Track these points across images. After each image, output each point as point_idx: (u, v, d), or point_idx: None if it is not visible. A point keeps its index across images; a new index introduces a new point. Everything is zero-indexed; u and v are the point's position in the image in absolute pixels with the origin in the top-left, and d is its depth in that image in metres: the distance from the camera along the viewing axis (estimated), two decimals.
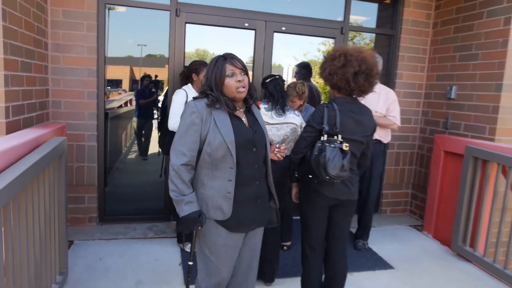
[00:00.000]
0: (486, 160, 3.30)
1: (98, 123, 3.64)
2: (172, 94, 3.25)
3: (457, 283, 3.12)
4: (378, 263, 3.40)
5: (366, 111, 2.24)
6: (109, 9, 3.63)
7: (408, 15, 4.34)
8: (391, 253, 3.60)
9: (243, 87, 1.77)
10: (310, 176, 2.11)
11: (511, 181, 3.11)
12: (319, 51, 4.44)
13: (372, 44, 4.64)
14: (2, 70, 2.42)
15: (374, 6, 4.55)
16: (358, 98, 2.26)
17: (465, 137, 3.88)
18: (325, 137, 2.06)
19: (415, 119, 4.58)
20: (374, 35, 4.57)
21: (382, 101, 3.41)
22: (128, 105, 4.88)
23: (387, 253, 3.58)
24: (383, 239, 3.91)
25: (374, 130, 2.27)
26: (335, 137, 2.06)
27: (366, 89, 2.14)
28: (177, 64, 3.77)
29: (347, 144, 2.01)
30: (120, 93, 4.67)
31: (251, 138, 1.81)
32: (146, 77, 4.09)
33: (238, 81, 1.76)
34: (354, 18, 4.38)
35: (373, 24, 4.52)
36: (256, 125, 1.89)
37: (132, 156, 4.62)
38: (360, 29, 4.38)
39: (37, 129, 2.61)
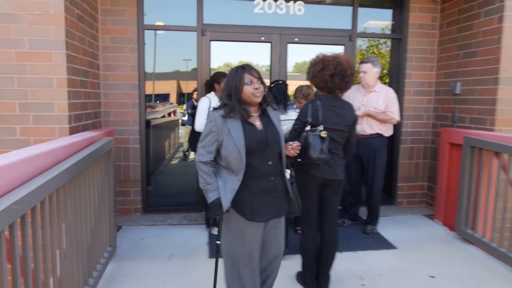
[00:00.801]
0: (481, 148, 3.58)
1: (140, 128, 4.36)
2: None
3: (455, 261, 3.41)
4: (383, 244, 3.77)
5: (347, 105, 2.71)
6: (155, 30, 4.36)
7: (414, 19, 4.69)
8: (398, 237, 3.94)
9: (259, 93, 2.08)
10: (299, 159, 2.60)
11: (504, 165, 3.39)
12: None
13: (388, 48, 5.03)
14: (66, 87, 3.18)
15: (389, 12, 4.93)
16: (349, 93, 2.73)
17: (470, 129, 4.15)
18: (308, 128, 2.55)
19: (426, 115, 4.87)
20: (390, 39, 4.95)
21: (381, 99, 3.80)
22: (172, 115, 5.59)
23: (394, 237, 3.93)
24: (393, 226, 4.25)
25: (355, 121, 2.72)
26: (318, 127, 2.55)
27: (344, 87, 2.61)
28: (204, 76, 4.41)
29: (325, 132, 2.49)
30: (164, 105, 5.39)
31: (263, 140, 2.09)
32: (195, 90, 4.69)
33: (255, 88, 2.06)
34: (373, 23, 4.85)
35: (390, 29, 4.91)
36: (270, 126, 2.16)
37: (175, 161, 5.31)
38: (367, 35, 4.78)
39: (91, 132, 3.34)
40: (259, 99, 2.09)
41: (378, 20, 4.91)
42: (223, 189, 2.11)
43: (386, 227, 4.20)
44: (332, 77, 2.55)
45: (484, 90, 4.01)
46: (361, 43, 4.97)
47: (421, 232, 4.11)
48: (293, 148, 2.23)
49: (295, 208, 2.37)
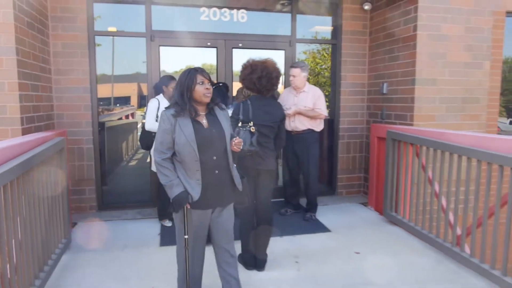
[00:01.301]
0: (400, 140, 4.10)
1: (93, 130, 4.57)
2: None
3: (379, 239, 3.91)
4: (320, 228, 4.22)
5: (275, 104, 3.11)
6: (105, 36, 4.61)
7: (347, 26, 5.20)
8: (333, 222, 4.40)
9: (209, 94, 2.30)
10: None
11: (417, 153, 3.92)
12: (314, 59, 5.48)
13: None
14: (17, 91, 3.36)
15: (329, 19, 5.40)
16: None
17: (395, 124, 4.69)
18: (240, 124, 2.92)
19: (361, 113, 5.40)
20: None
21: (309, 98, 4.22)
22: (130, 117, 5.77)
23: (330, 222, 4.39)
24: (331, 213, 4.72)
25: (283, 118, 3.12)
26: (249, 124, 2.92)
27: (270, 88, 3.01)
28: (154, 79, 4.67)
29: (253, 127, 2.86)
30: (121, 108, 5.58)
31: (208, 136, 2.29)
32: None
33: (206, 88, 2.27)
34: (320, 28, 5.35)
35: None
36: (215, 124, 2.35)
37: (133, 162, 5.51)
38: (305, 40, 5.23)
39: (43, 132, 3.53)
40: (208, 99, 2.31)
41: (325, 26, 5.39)
42: (186, 182, 2.29)
43: (325, 214, 4.66)
44: (259, 79, 2.94)
45: (405, 90, 4.56)
46: (314, 47, 5.43)
47: (355, 217, 4.61)
48: (235, 144, 2.39)
49: (243, 200, 2.57)
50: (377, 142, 4.71)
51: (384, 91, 4.91)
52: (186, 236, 2.36)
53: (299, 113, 4.16)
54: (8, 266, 2.31)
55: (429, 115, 4.46)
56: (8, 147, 2.48)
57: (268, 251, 3.33)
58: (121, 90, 5.14)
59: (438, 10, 4.34)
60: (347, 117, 5.36)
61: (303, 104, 4.19)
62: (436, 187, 3.71)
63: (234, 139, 2.41)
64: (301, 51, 5.31)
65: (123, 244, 3.74)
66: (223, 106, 2.50)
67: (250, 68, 2.95)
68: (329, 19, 5.37)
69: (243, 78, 3.00)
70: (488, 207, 3.11)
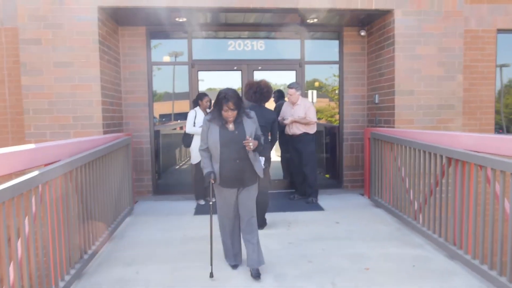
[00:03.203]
0: (379, 139, 5.19)
1: (150, 134, 6.19)
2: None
3: (360, 215, 5.00)
4: (316, 208, 5.40)
5: (268, 111, 4.43)
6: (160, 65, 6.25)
7: (347, 49, 6.39)
8: (330, 205, 5.55)
9: (231, 118, 3.12)
10: None
11: (395, 153, 4.98)
12: (326, 79, 6.75)
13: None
14: (101, 105, 5.05)
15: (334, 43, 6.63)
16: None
17: (383, 128, 5.75)
18: None
19: (361, 119, 6.51)
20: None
21: (301, 109, 5.39)
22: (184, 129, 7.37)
23: (327, 205, 5.54)
24: (331, 199, 5.86)
25: (273, 121, 4.42)
26: None
27: (263, 100, 4.33)
28: (194, 96, 6.20)
29: None
30: (177, 121, 7.18)
31: (231, 137, 3.14)
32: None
33: (228, 114, 3.08)
34: (325, 51, 6.61)
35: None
36: (239, 128, 3.16)
37: (181, 162, 7.08)
38: (312, 62, 6.48)
39: (117, 133, 5.18)
40: (231, 121, 3.16)
41: (330, 49, 6.59)
42: (214, 166, 3.23)
43: (326, 200, 5.82)
44: (254, 93, 4.29)
45: (389, 99, 5.64)
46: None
47: (349, 202, 5.72)
48: (244, 143, 3.12)
49: (265, 185, 3.82)
50: (368, 143, 5.80)
51: (376, 101, 6.01)
52: (211, 202, 3.35)
53: (295, 121, 5.41)
54: (97, 209, 3.85)
55: (408, 119, 5.49)
56: (97, 139, 4.08)
57: (270, 220, 4.63)
58: (178, 107, 6.70)
59: (412, 35, 5.41)
60: (349, 123, 6.49)
61: (298, 114, 5.42)
62: (403, 175, 4.74)
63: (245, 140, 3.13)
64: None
65: (168, 213, 5.24)
66: (251, 115, 3.30)
67: (249, 86, 4.33)
68: (333, 43, 6.58)
69: (244, 92, 4.38)
70: (430, 189, 4.12)
